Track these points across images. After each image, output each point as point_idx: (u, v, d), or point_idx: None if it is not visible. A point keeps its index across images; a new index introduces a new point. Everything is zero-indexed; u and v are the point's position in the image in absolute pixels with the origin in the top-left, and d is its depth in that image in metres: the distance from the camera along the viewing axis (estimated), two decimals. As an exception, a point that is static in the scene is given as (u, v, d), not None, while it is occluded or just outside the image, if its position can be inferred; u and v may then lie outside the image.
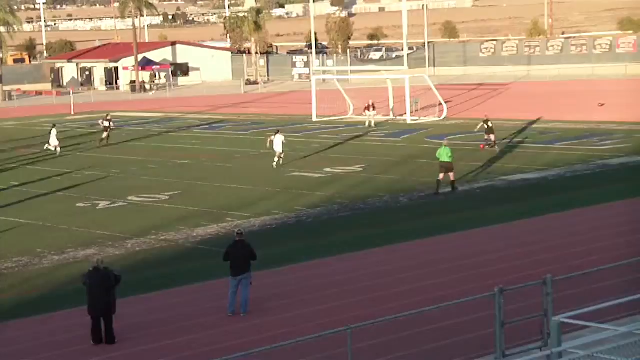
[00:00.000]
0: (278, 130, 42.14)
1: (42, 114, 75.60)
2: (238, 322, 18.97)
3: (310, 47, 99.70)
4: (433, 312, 16.41)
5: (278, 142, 40.73)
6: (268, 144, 41.62)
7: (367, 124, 55.92)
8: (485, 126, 43.35)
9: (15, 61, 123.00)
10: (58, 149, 49.73)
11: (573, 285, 17.86)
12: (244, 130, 57.81)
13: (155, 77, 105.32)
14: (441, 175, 32.71)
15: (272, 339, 16.87)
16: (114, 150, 50.18)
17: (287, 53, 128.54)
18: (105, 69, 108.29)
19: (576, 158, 39.03)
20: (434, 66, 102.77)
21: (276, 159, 40.62)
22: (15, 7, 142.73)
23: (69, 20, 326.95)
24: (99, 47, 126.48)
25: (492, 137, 43.14)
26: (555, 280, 15.28)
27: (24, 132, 61.19)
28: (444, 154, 32.88)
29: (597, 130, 47.86)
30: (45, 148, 50.36)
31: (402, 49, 73.98)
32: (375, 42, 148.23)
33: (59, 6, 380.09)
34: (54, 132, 50.26)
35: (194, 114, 70.13)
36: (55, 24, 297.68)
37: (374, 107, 57.05)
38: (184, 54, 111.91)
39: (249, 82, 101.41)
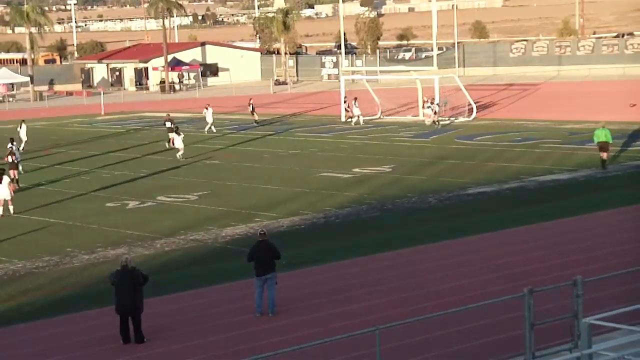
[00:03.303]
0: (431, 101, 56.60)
1: (73, 114, 76.08)
2: (266, 322, 18.97)
3: (339, 47, 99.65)
4: (462, 313, 16.32)
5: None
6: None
7: (430, 121, 55.75)
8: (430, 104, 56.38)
9: (47, 62, 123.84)
10: (22, 145, 51.16)
11: (604, 287, 17.72)
12: (273, 131, 57.87)
13: (183, 77, 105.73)
14: (603, 154, 36.41)
15: (300, 339, 16.84)
16: (143, 150, 50.36)
17: (316, 53, 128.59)
18: (135, 69, 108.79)
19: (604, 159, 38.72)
20: (464, 66, 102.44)
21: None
22: (47, 8, 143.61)
23: (100, 21, 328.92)
24: (129, 47, 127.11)
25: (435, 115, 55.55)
26: (586, 282, 15.17)
27: (54, 133, 61.58)
28: (602, 135, 36.37)
29: (628, 131, 47.45)
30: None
31: (432, 49, 73.82)
32: (405, 42, 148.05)
33: (89, 7, 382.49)
34: (24, 127, 52.40)
35: (223, 114, 70.29)
36: (85, 25, 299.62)
37: (432, 102, 56.95)
38: (213, 55, 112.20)
39: (278, 83, 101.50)
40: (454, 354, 16.54)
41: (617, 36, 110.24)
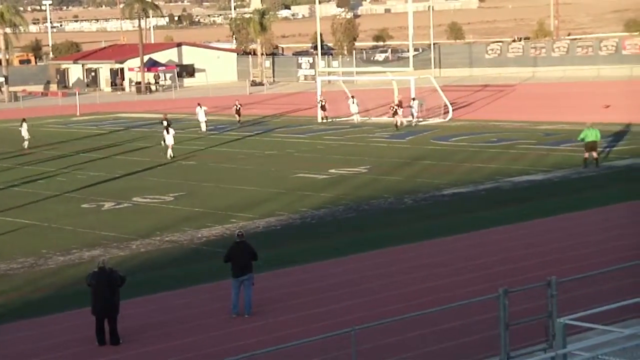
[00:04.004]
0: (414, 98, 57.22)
1: (48, 115, 75.66)
2: (242, 323, 18.96)
3: (315, 48, 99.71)
4: (438, 314, 16.38)
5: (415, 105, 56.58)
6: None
7: (400, 122, 55.57)
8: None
9: (21, 62, 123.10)
10: (26, 143, 52.85)
11: (578, 287, 17.83)
12: (249, 132, 57.84)
13: (159, 78, 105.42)
14: (586, 154, 37.04)
15: (277, 340, 16.86)
16: (119, 151, 50.23)
17: (293, 54, 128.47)
18: (111, 70, 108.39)
19: (582, 159, 38.91)
20: (440, 67, 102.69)
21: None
22: (21, 8, 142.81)
23: (75, 21, 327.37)
24: (104, 48, 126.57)
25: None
26: (560, 282, 15.25)
27: (29, 133, 61.10)
28: (592, 135, 37.11)
29: (602, 132, 47.65)
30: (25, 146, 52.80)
31: (408, 50, 73.99)
32: (381, 43, 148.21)
33: (65, 7, 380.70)
34: (24, 126, 53.48)
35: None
36: (61, 25, 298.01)
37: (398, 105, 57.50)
38: (189, 55, 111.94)
39: (254, 83, 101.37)
40: (430, 354, 16.59)
41: (514, 40, 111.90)
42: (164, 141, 48.12)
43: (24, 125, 53.59)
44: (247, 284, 19.37)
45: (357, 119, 60.20)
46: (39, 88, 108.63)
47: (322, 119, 61.10)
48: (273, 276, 22.32)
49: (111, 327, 17.95)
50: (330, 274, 22.63)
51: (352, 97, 61.11)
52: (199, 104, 59.53)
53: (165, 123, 50.41)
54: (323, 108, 61.46)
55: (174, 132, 47.07)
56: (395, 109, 55.67)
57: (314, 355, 16.19)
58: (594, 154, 37.31)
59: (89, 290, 18.20)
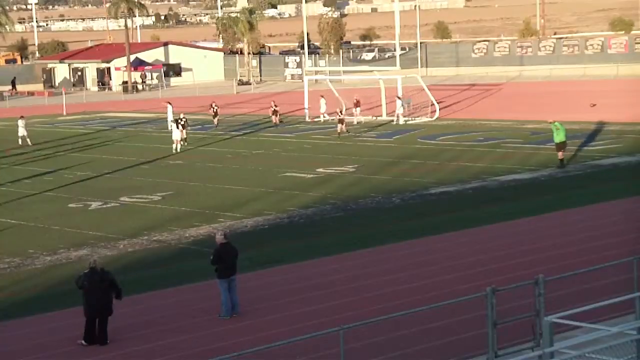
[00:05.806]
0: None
1: (34, 115, 75.40)
2: (230, 322, 18.96)
3: (302, 47, 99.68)
4: (425, 312, 16.40)
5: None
6: None
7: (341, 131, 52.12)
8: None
9: (7, 61, 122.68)
10: (27, 140, 53.69)
11: (565, 286, 17.89)
12: (236, 131, 57.80)
13: (146, 77, 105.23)
14: (560, 153, 37.12)
15: (264, 340, 16.85)
16: (106, 151, 50.14)
17: (280, 53, 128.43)
18: (98, 69, 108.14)
19: (567, 158, 39.04)
20: (426, 67, 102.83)
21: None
22: (7, 7, 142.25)
23: (61, 20, 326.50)
24: (91, 47, 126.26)
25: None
26: (547, 281, 15.30)
27: (15, 133, 60.97)
28: (563, 135, 36.97)
29: (588, 131, 47.92)
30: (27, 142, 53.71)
31: (395, 50, 74.07)
32: (368, 42, 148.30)
33: (50, 6, 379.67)
34: (21, 122, 54.25)
35: (186, 114, 69.97)
36: (47, 25, 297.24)
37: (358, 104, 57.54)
38: (176, 55, 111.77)
39: (241, 83, 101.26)
40: (418, 353, 16.61)
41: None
42: (183, 140, 49.47)
43: (20, 122, 54.15)
44: (233, 284, 19.41)
45: (322, 118, 59.74)
46: (25, 87, 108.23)
47: (275, 123, 60.03)
48: (260, 275, 22.32)
49: (101, 327, 17.92)
50: (318, 273, 22.65)
51: (322, 96, 60.45)
52: (169, 102, 59.56)
53: (182, 122, 50.64)
54: (275, 113, 60.54)
55: (181, 129, 49.03)
56: (340, 117, 52.18)
57: (303, 354, 16.20)
58: (560, 154, 37.16)
59: (76, 290, 18.15)
